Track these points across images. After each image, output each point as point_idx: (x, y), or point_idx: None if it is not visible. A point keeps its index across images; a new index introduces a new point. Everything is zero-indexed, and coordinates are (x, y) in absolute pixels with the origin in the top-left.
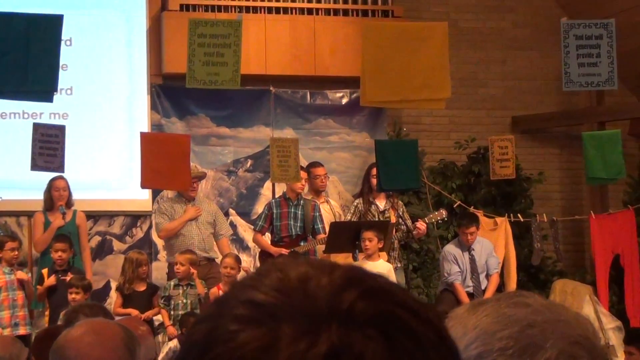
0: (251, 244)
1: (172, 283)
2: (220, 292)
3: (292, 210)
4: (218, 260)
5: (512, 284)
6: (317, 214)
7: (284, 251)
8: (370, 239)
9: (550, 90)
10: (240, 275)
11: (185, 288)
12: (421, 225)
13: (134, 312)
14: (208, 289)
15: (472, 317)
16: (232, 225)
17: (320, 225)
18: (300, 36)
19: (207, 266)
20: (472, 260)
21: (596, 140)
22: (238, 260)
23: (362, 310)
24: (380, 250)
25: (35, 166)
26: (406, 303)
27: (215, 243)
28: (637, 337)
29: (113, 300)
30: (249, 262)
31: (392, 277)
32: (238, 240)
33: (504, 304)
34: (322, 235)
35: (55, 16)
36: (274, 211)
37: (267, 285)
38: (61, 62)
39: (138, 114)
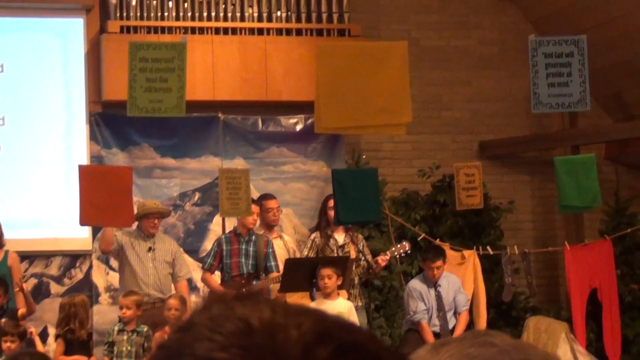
0: (200, 284)
1: (115, 328)
2: (166, 337)
3: (243, 246)
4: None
5: (482, 322)
6: (270, 250)
7: None
8: (329, 276)
9: (520, 112)
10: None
11: (130, 334)
12: (382, 260)
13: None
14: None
15: (435, 358)
16: None
17: (273, 263)
18: (250, 58)
19: (162, 308)
20: (439, 297)
21: (569, 165)
22: (183, 301)
23: None
24: (340, 287)
25: None
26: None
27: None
28: None
29: (52, 347)
30: (197, 304)
31: (353, 317)
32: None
33: (469, 344)
34: (275, 274)
35: None
36: (224, 248)
37: (227, 339)
38: None
39: (76, 145)
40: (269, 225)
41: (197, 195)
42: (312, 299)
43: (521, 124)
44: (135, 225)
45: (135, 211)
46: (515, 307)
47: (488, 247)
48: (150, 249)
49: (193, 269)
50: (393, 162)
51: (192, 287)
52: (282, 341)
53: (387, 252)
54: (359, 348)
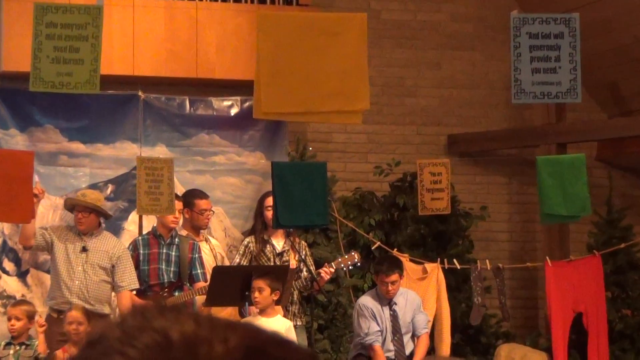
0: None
1: (2, 342)
2: (66, 356)
3: (164, 250)
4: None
5: (444, 348)
6: (197, 255)
7: None
8: (261, 289)
9: (498, 102)
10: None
11: (18, 347)
12: (325, 273)
13: None
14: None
15: None
16: None
17: (200, 271)
18: (178, 28)
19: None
20: (394, 318)
21: (554, 166)
22: (87, 313)
23: None
24: (277, 303)
25: None
26: None
27: (113, 295)
28: None
29: None
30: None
31: (292, 339)
32: None
33: None
34: (202, 284)
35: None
36: (141, 252)
37: (141, 353)
38: None
39: None
40: (196, 227)
41: (110, 188)
42: (243, 315)
43: (498, 116)
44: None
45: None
46: (484, 332)
47: (455, 260)
48: (84, 249)
49: None
50: (345, 156)
51: None
52: (204, 357)
53: (333, 264)
54: None
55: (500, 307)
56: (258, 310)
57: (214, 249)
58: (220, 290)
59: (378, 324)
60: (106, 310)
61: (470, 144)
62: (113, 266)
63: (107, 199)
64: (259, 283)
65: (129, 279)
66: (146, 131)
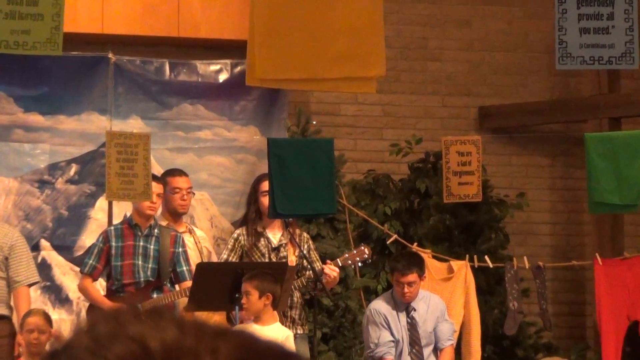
0: (74, 295)
1: None
2: None
3: (141, 243)
4: (15, 321)
5: None
6: (180, 250)
7: None
8: (247, 293)
9: (539, 68)
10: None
11: None
12: (331, 270)
13: None
14: None
15: None
16: (44, 266)
17: (185, 268)
18: None
19: None
20: (412, 326)
21: (606, 145)
22: (48, 319)
23: None
24: (274, 307)
25: None
26: None
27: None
28: None
29: None
30: (68, 323)
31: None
32: (53, 289)
33: None
34: (188, 284)
35: None
36: (113, 244)
37: None
38: None
39: None
40: (174, 213)
41: (73, 168)
42: (230, 322)
43: (539, 85)
44: None
45: None
46: (522, 344)
47: (486, 258)
48: None
49: (64, 274)
50: (355, 131)
51: (62, 299)
52: None
53: (339, 260)
54: None
55: (540, 314)
56: (256, 318)
57: (200, 242)
58: (204, 291)
59: (392, 334)
60: (4, 311)
61: (505, 118)
62: (6, 258)
63: (70, 181)
64: (245, 286)
65: (26, 272)
66: (117, 100)
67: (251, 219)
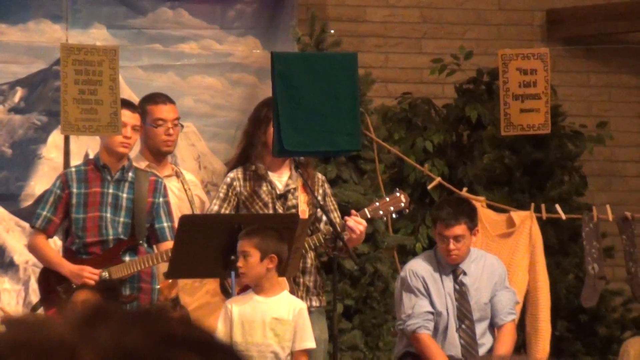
0: (22, 257)
1: None
2: None
3: (111, 190)
4: None
5: (541, 344)
6: (161, 199)
7: (91, 274)
8: (245, 254)
9: None
10: None
11: None
12: (356, 223)
13: None
14: None
15: None
16: None
17: (166, 224)
18: None
19: None
20: (462, 295)
21: None
22: None
23: None
24: (280, 273)
25: None
26: None
27: None
28: None
29: None
30: (14, 294)
31: (305, 329)
32: None
33: None
34: (170, 243)
35: None
36: (74, 191)
37: None
38: None
39: None
40: (156, 152)
41: (18, 93)
42: (226, 293)
43: None
44: None
45: None
46: (604, 319)
47: (557, 207)
48: None
49: (8, 230)
50: (386, 43)
51: (7, 264)
52: None
53: (367, 211)
54: None
55: (628, 280)
56: (250, 285)
57: (190, 188)
58: (190, 253)
59: (433, 303)
60: None
61: (581, 24)
62: None
63: (15, 109)
64: (242, 245)
65: None
66: (75, 4)
67: (251, 157)
